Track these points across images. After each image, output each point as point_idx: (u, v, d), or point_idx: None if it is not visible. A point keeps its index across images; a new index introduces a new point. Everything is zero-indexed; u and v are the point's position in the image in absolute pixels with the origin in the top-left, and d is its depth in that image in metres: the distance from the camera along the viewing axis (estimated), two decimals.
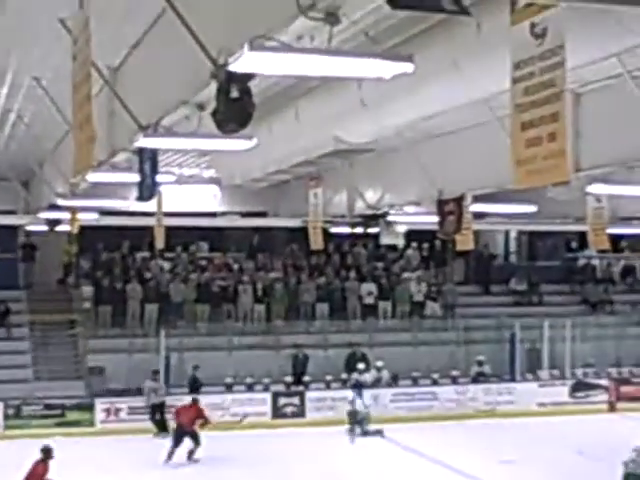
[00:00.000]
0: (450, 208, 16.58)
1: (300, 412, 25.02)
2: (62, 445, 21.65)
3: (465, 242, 19.28)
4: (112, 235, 29.00)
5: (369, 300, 29.18)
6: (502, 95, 8.30)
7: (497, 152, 10.40)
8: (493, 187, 15.52)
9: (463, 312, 29.82)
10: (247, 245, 31.19)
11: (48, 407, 23.76)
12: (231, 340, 27.17)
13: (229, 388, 25.67)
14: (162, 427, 23.26)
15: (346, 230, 24.76)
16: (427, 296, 29.75)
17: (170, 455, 20.39)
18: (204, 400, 23.78)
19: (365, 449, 20.26)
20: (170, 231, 27.41)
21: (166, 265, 29.21)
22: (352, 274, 29.61)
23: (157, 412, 23.79)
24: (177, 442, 20.65)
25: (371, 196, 20.27)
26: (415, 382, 26.77)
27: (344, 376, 26.40)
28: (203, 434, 20.41)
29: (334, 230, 24.96)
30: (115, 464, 20.30)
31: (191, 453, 20.63)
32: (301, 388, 25.84)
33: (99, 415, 24.10)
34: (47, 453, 15.97)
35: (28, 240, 29.34)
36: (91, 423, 23.93)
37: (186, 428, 20.81)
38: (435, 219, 17.08)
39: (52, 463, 18.32)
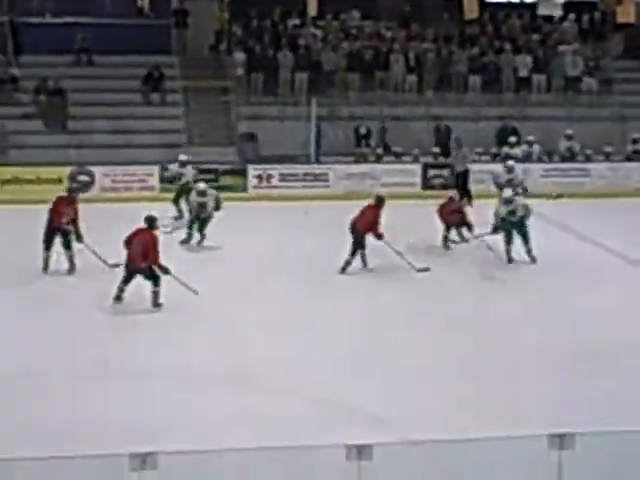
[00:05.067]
0: None
1: (449, 184, 25.02)
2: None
3: (626, 14, 18.52)
4: (263, 2, 28.86)
5: (523, 73, 28.48)
6: None
7: None
8: None
9: (621, 88, 28.84)
10: (399, 14, 30.52)
11: (202, 171, 24.23)
12: (382, 110, 27.04)
13: (379, 159, 25.80)
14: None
15: None
16: (583, 71, 28.83)
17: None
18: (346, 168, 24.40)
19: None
20: None
21: (317, 33, 28.89)
22: (506, 46, 28.80)
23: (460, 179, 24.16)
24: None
25: None
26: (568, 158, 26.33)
27: (494, 150, 26.21)
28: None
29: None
30: (267, 228, 20.82)
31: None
32: (450, 160, 25.74)
33: (251, 181, 24.64)
34: (152, 222, 15.51)
35: (181, 6, 29.38)
36: (243, 188, 24.51)
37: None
38: None
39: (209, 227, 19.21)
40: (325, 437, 9.53)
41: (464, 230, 19.22)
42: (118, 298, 15.30)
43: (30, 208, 20.55)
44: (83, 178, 23.99)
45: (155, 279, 15.16)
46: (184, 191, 21.34)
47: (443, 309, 15.39)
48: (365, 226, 17.35)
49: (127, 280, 15.28)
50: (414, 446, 8.86)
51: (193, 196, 19.67)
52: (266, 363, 12.82)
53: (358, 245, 17.34)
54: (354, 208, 17.92)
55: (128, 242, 15.33)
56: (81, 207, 19.05)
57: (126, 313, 15.08)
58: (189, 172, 21.84)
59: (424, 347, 13.58)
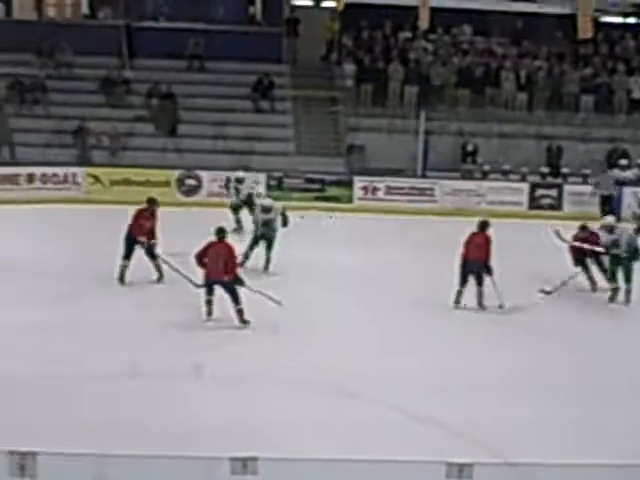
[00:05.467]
0: None
1: (557, 205, 24.76)
2: (319, 219, 22.62)
3: None
4: (375, 14, 28.92)
5: (636, 95, 27.93)
6: None
7: None
8: None
9: None
10: (511, 30, 30.26)
11: (309, 181, 24.48)
12: (490, 127, 26.83)
13: (485, 175, 25.62)
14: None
15: (617, 20, 23.63)
16: None
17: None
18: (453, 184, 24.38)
19: None
20: (433, 12, 27.11)
21: (428, 47, 28.79)
22: (620, 67, 28.31)
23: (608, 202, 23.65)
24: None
25: None
26: None
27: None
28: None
29: (604, 19, 23.86)
30: (371, 240, 20.78)
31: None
32: (559, 180, 25.45)
33: (357, 192, 24.63)
34: (223, 233, 15.14)
35: (293, 14, 29.60)
36: (349, 199, 24.51)
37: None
38: None
39: (305, 234, 19.12)
40: (421, 453, 9.45)
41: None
42: (210, 313, 14.87)
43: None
44: (191, 182, 24.30)
45: (235, 295, 14.77)
46: (244, 204, 20.97)
47: (539, 337, 14.96)
48: (476, 255, 16.04)
49: (211, 291, 14.85)
50: (513, 468, 8.75)
51: (257, 213, 18.50)
52: (364, 377, 12.72)
53: (479, 279, 16.04)
54: (459, 224, 17.70)
55: (201, 256, 14.90)
56: (189, 211, 19.39)
57: (215, 327, 14.78)
58: (245, 188, 21.30)
59: (519, 373, 13.26)
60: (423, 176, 25.32)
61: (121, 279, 16.73)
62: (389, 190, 24.59)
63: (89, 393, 11.95)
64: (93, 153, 25.46)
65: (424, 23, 27.30)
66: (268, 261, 17.95)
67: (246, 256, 17.70)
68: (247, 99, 27.22)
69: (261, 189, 22.25)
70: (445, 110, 27.11)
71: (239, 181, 21.34)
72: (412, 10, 27.72)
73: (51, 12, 30.77)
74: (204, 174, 24.26)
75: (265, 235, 17.98)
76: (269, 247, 18.01)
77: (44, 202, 22.97)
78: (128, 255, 16.73)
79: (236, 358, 13.37)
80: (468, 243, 16.27)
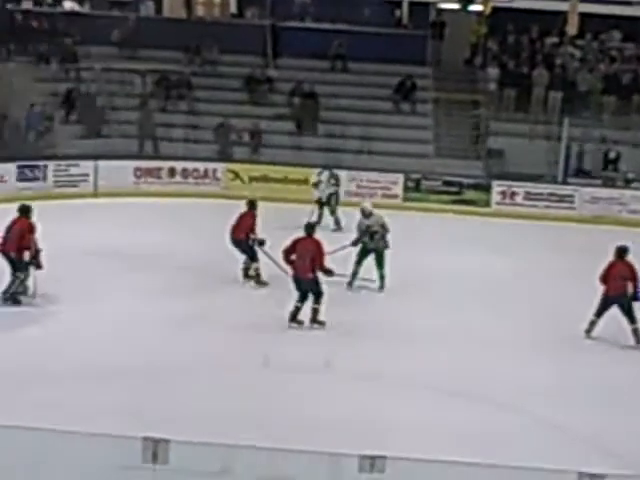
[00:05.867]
0: None
1: None
2: (456, 222, 22.49)
3: None
4: (522, 18, 28.62)
5: None
6: None
7: None
8: None
9: None
10: None
11: (446, 184, 24.25)
12: (635, 134, 26.16)
13: (628, 183, 25.06)
14: None
15: None
16: None
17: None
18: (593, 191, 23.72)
19: None
20: (582, 17, 26.64)
21: (575, 53, 28.28)
22: None
23: None
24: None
25: None
26: None
27: None
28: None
29: None
30: (506, 246, 20.53)
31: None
32: None
33: (495, 197, 24.33)
34: (312, 229, 15.00)
35: (439, 18, 29.49)
36: (486, 204, 24.20)
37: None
38: None
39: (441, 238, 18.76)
40: (549, 460, 9.30)
41: None
42: (293, 319, 14.49)
43: (276, 206, 21.06)
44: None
45: (318, 295, 14.48)
46: (325, 203, 21.39)
47: None
48: (621, 287, 14.31)
49: (303, 298, 14.51)
50: None
51: (359, 220, 16.87)
52: (490, 380, 12.69)
53: (631, 316, 14.38)
54: (599, 233, 17.26)
55: (289, 252, 14.62)
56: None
57: (346, 324, 14.76)
58: (324, 189, 21.57)
59: None
60: (564, 182, 24.85)
61: (258, 281, 16.75)
62: (528, 195, 24.18)
63: (221, 384, 12.15)
64: (234, 149, 25.80)
65: (572, 29, 26.84)
66: (382, 278, 16.56)
67: (354, 274, 16.58)
68: (388, 100, 27.20)
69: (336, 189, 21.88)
70: (590, 117, 26.54)
71: (315, 185, 21.74)
72: (560, 15, 27.33)
73: (200, 11, 31.39)
74: (343, 174, 24.24)
75: (372, 247, 16.53)
76: (380, 263, 16.58)
77: (184, 196, 23.42)
78: (254, 257, 16.71)
79: (364, 357, 13.35)
80: (607, 275, 14.45)
